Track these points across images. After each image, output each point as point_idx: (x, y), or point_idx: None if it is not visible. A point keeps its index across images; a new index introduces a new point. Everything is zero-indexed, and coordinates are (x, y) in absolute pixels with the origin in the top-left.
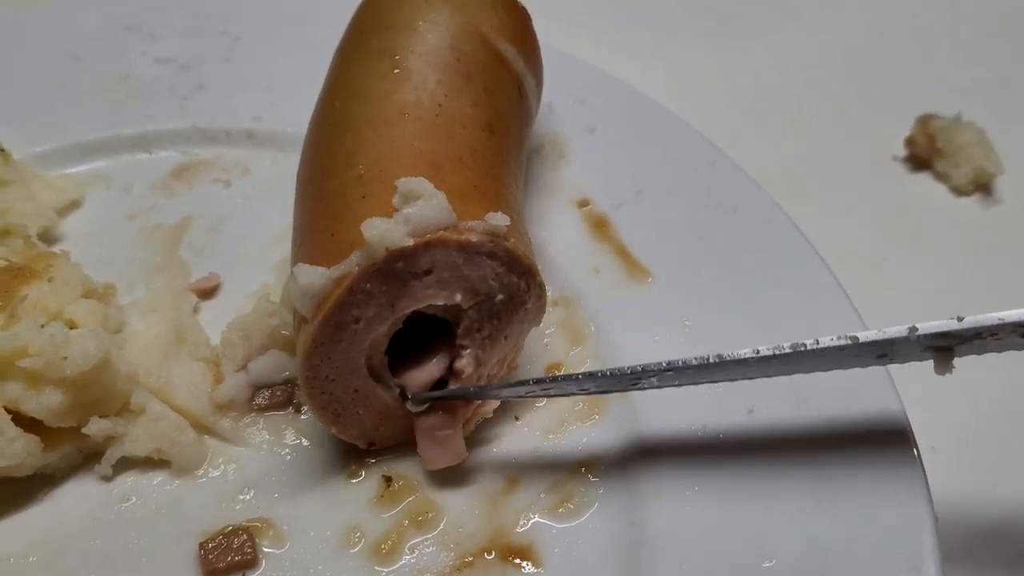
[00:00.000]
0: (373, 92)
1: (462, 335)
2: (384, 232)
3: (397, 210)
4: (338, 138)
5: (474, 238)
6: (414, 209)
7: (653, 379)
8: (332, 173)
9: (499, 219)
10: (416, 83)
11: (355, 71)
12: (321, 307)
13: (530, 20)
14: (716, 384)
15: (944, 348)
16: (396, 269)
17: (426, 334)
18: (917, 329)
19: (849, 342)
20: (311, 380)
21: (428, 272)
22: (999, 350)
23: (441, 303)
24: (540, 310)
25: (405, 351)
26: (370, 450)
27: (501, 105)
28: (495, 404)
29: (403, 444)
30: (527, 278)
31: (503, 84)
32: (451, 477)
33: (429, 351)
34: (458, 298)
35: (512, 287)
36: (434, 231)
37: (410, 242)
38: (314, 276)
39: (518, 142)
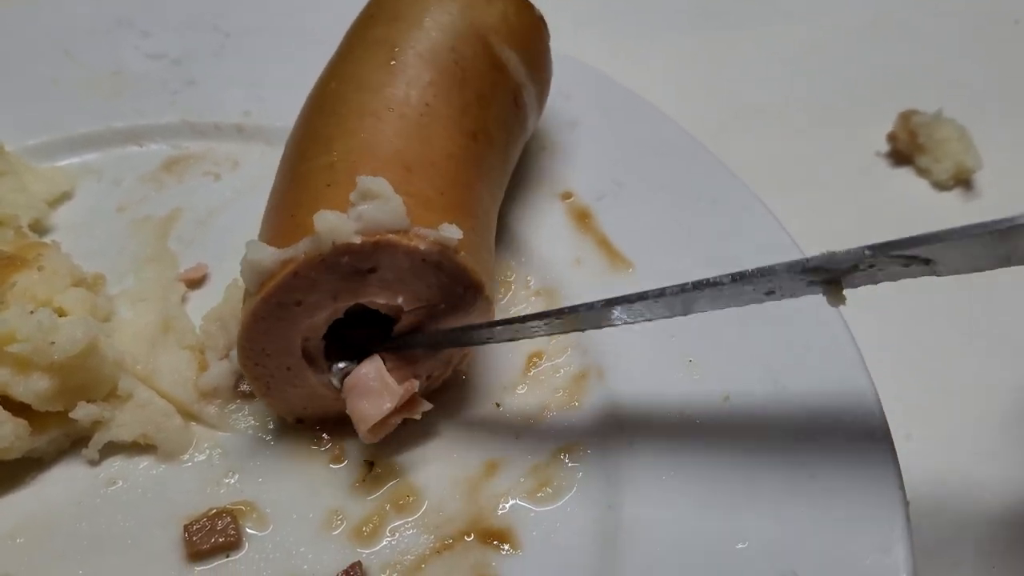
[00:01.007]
0: (366, 81)
1: (399, 331)
2: (334, 226)
3: (353, 205)
4: (324, 121)
5: (422, 246)
6: (368, 208)
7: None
8: (309, 155)
9: (451, 231)
10: (409, 79)
11: (355, 56)
12: (265, 285)
13: (545, 31)
14: (693, 372)
15: (829, 281)
16: (341, 263)
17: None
18: (791, 267)
19: (733, 280)
20: (246, 350)
21: (372, 271)
22: (892, 279)
23: (382, 302)
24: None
25: (344, 340)
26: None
27: (492, 114)
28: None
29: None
30: (472, 292)
31: (498, 93)
32: (432, 462)
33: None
34: (399, 300)
35: (455, 298)
36: (383, 233)
37: (358, 240)
38: (263, 254)
39: (504, 153)
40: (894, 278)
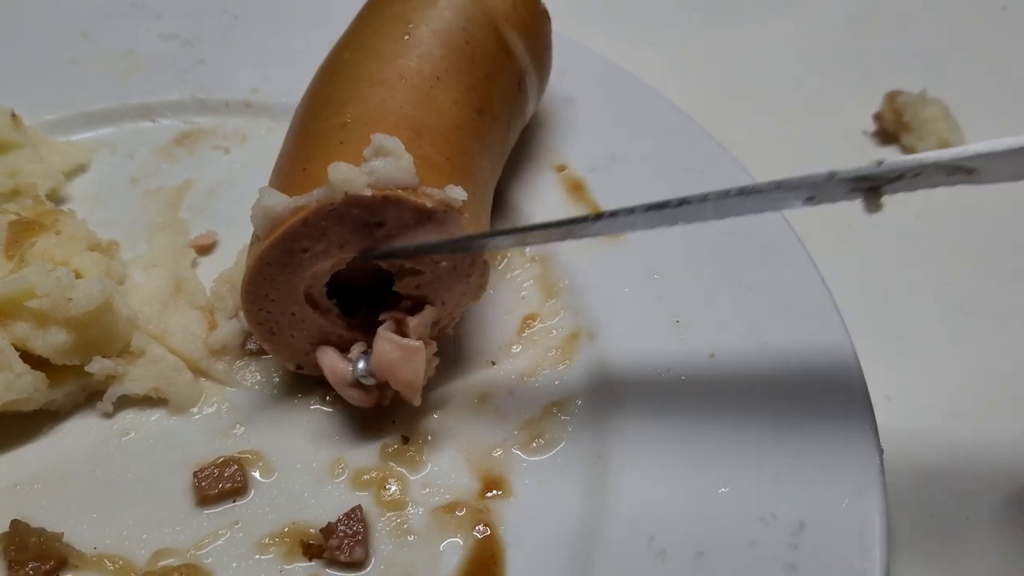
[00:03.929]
0: (380, 52)
1: (399, 286)
2: (348, 177)
3: (366, 161)
4: (338, 86)
5: (429, 204)
6: (380, 163)
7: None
8: (323, 116)
9: (457, 192)
10: (421, 53)
11: (371, 29)
12: (275, 230)
13: (548, 23)
14: (680, 330)
15: (871, 188)
16: (351, 214)
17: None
18: (836, 174)
19: (778, 187)
20: (251, 295)
21: (379, 224)
22: (929, 186)
23: None
24: (481, 288)
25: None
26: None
27: (497, 94)
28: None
29: None
30: (472, 254)
31: (504, 75)
32: (427, 415)
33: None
34: None
35: (457, 258)
36: (393, 189)
37: (368, 193)
38: (276, 200)
39: (505, 132)
40: (934, 186)
